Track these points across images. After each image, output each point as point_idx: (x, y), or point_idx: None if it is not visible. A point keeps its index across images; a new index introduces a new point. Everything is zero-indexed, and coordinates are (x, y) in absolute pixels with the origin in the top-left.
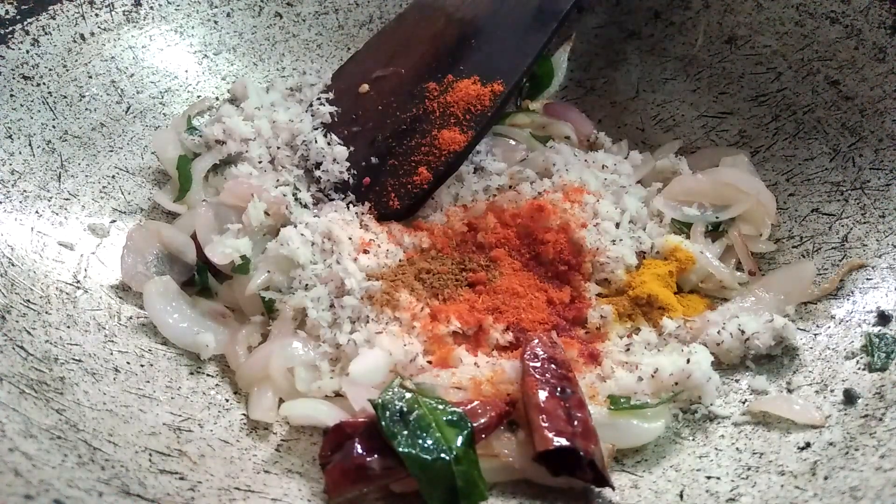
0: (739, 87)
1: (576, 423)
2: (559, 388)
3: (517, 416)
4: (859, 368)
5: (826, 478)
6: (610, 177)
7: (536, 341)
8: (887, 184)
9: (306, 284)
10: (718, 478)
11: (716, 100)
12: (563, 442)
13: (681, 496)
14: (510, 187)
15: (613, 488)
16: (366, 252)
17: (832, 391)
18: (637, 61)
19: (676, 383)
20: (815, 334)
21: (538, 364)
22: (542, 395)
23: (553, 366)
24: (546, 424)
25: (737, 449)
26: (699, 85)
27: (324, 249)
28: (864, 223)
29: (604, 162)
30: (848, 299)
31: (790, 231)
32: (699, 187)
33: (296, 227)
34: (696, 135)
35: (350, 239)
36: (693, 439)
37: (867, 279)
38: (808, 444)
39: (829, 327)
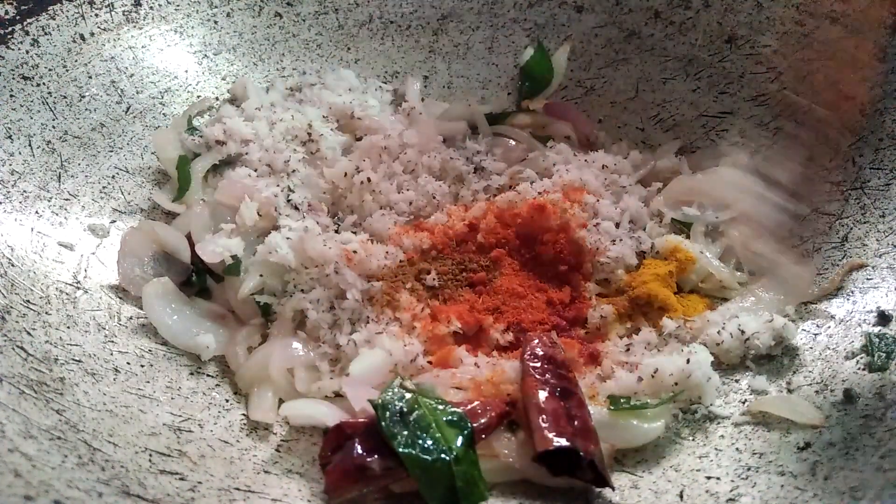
0: (739, 87)
1: (576, 423)
2: (559, 389)
3: (517, 416)
4: (859, 368)
5: (826, 478)
6: (610, 177)
7: (536, 341)
8: (887, 183)
9: (302, 288)
10: (718, 478)
11: (716, 100)
12: (563, 442)
13: (681, 496)
14: (510, 187)
15: (613, 488)
16: (349, 260)
17: (832, 391)
18: (637, 61)
19: (676, 383)
20: (815, 334)
21: (538, 364)
22: (542, 395)
23: (553, 366)
24: (546, 425)
25: (737, 449)
26: (699, 85)
27: (311, 257)
28: (864, 223)
29: (604, 162)
30: (848, 299)
31: (790, 231)
32: (699, 187)
33: (280, 231)
34: (696, 135)
35: (330, 248)
36: (693, 439)
37: (867, 279)
38: (808, 444)
39: (829, 327)
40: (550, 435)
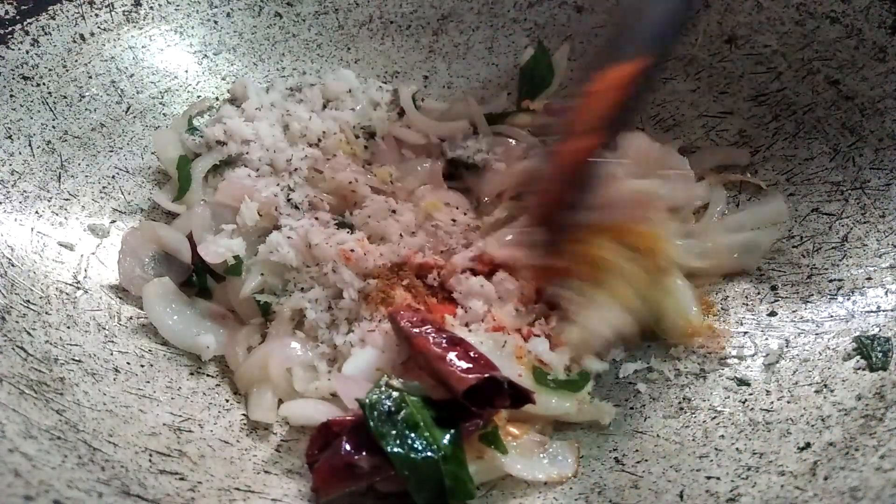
0: (739, 87)
1: (479, 359)
2: (446, 338)
3: (429, 374)
4: (859, 368)
5: (826, 478)
6: None
7: (401, 313)
8: (887, 184)
9: (301, 287)
10: (718, 478)
11: (716, 100)
12: (480, 375)
13: (681, 496)
14: None
15: (534, 402)
16: (347, 259)
17: (832, 391)
18: None
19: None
20: (816, 334)
21: (417, 329)
22: (435, 346)
23: (429, 325)
24: (454, 368)
25: (737, 449)
26: (699, 85)
27: (313, 255)
28: (865, 223)
29: None
30: (848, 299)
31: (790, 231)
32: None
33: (280, 230)
34: (696, 135)
35: (330, 246)
36: (693, 439)
37: (867, 279)
38: (808, 445)
39: (829, 327)
40: (464, 374)
